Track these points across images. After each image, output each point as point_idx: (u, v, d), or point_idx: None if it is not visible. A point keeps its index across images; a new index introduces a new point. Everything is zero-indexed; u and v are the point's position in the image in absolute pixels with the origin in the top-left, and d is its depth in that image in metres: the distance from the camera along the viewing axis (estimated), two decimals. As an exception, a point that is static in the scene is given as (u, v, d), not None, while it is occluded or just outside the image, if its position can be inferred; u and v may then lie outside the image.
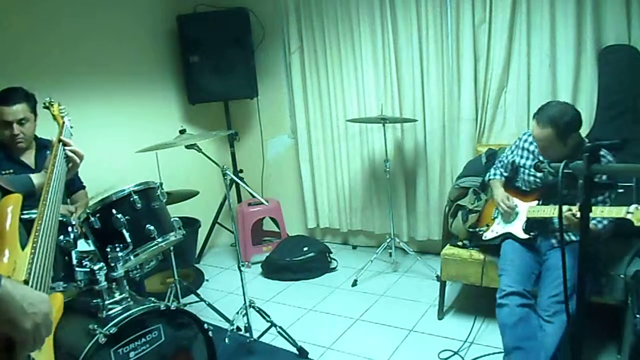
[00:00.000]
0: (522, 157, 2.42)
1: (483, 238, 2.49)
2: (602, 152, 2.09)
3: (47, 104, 1.96)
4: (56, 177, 1.53)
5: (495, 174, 2.58)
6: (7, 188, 1.34)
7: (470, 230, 2.61)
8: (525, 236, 2.28)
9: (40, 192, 1.45)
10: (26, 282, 1.09)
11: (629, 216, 1.80)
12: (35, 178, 1.63)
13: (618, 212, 1.85)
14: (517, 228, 2.32)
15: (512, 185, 2.50)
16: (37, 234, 1.24)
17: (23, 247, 1.17)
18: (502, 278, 2.16)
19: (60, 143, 1.67)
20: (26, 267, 1.12)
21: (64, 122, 1.84)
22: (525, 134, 2.44)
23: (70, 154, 1.66)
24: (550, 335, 1.94)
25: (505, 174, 2.55)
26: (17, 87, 2.33)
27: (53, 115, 1.93)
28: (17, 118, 2.27)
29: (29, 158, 2.43)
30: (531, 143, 2.38)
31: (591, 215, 1.89)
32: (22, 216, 1.33)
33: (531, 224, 2.29)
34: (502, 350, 2.07)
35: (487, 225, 2.51)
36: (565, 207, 1.95)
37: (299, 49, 3.87)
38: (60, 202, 1.46)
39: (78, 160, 1.70)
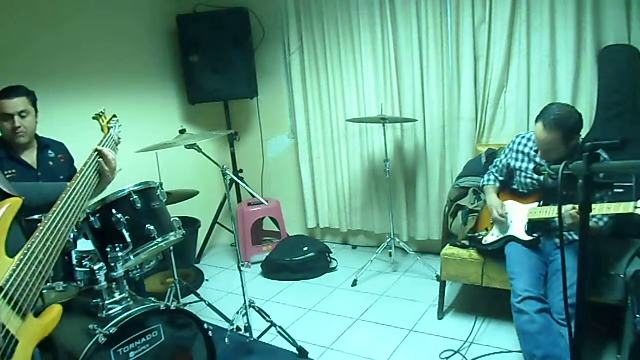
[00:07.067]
0: (517, 160, 2.40)
1: (483, 242, 2.47)
2: (599, 152, 2.09)
3: (96, 116, 1.95)
4: (81, 184, 1.50)
5: (489, 180, 2.57)
6: (8, 192, 1.28)
7: (470, 235, 2.59)
8: (529, 238, 2.26)
9: None
10: (1, 289, 1.06)
11: (637, 211, 1.80)
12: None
13: (626, 207, 1.84)
14: (519, 230, 2.31)
15: (509, 188, 2.49)
16: (33, 240, 1.19)
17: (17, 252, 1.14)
18: (514, 282, 2.13)
19: (96, 152, 1.68)
20: (6, 274, 1.09)
21: (108, 133, 1.85)
22: (519, 137, 2.42)
23: (101, 161, 1.65)
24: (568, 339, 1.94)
25: (501, 179, 2.53)
26: (18, 85, 2.36)
27: (101, 126, 1.94)
28: (18, 110, 2.30)
29: (30, 157, 2.43)
30: (526, 145, 2.36)
31: (595, 212, 1.91)
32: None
33: (533, 225, 2.28)
34: (504, 350, 2.07)
35: (487, 230, 2.50)
36: (569, 206, 1.95)
37: (299, 49, 3.87)
38: (79, 212, 1.42)
39: (106, 168, 1.66)
